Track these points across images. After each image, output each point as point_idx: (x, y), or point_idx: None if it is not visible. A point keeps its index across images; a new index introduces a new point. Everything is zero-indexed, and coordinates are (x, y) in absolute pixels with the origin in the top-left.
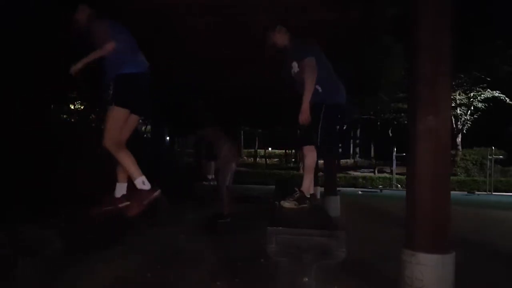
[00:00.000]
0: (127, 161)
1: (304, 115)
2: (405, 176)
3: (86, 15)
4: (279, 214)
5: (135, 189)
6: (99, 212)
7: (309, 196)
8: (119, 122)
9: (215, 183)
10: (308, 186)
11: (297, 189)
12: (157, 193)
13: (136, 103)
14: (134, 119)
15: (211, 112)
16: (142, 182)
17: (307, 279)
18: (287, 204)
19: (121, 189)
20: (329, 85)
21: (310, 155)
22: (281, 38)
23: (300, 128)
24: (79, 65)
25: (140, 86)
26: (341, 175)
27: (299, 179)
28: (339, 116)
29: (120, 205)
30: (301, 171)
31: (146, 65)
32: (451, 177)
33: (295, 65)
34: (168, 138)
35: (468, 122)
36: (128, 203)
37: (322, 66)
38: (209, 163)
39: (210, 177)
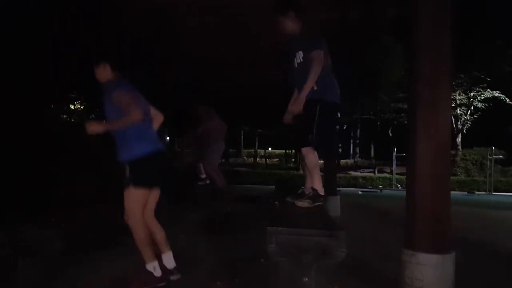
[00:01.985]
0: (143, 244)
1: (298, 105)
2: (405, 176)
3: (108, 72)
4: (279, 214)
5: (144, 270)
6: None
7: (322, 193)
8: (139, 201)
9: (208, 182)
10: (319, 183)
11: (302, 188)
12: (163, 284)
13: (155, 180)
14: (156, 193)
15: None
16: (153, 268)
17: (307, 279)
18: (301, 203)
19: (168, 260)
20: (325, 83)
21: (310, 156)
22: (292, 24)
23: (296, 129)
24: (101, 127)
25: (157, 162)
26: (341, 175)
27: (299, 179)
28: (334, 115)
29: (172, 278)
30: (301, 171)
31: (159, 120)
32: (451, 177)
33: (300, 54)
34: (168, 138)
35: (468, 122)
36: (179, 276)
37: (325, 64)
38: (198, 165)
39: (203, 176)
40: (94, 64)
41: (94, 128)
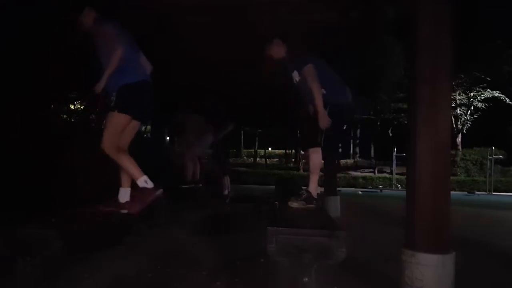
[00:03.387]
0: (127, 163)
1: (325, 119)
2: (405, 176)
3: (92, 18)
4: (279, 214)
5: (138, 188)
6: (100, 215)
7: (316, 196)
8: (119, 128)
9: (200, 185)
10: (315, 186)
11: (303, 189)
12: (159, 192)
13: (138, 110)
14: (135, 124)
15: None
16: (144, 181)
17: (307, 279)
18: (295, 204)
19: (124, 194)
20: (332, 86)
21: (316, 156)
22: (278, 50)
23: (304, 129)
24: (102, 82)
25: (143, 94)
26: (341, 175)
27: (299, 179)
28: (344, 116)
29: (122, 211)
30: (301, 171)
31: (148, 69)
32: (451, 177)
33: (296, 74)
34: (168, 138)
35: (468, 122)
36: (161, 190)
37: (322, 70)
38: (186, 165)
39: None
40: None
41: (99, 86)
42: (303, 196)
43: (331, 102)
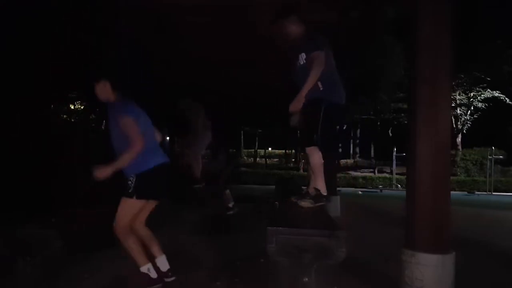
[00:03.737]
0: (134, 250)
1: (297, 104)
2: (405, 176)
3: (107, 94)
4: (279, 214)
5: (139, 273)
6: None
7: (325, 194)
8: (134, 212)
9: (204, 184)
10: (322, 183)
11: (305, 188)
12: (159, 285)
13: (157, 192)
14: (152, 203)
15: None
16: (147, 270)
17: (307, 279)
18: (303, 203)
19: (162, 263)
20: (330, 84)
21: (314, 155)
22: (294, 28)
23: (300, 129)
24: (108, 170)
25: (162, 176)
26: (341, 175)
27: (299, 179)
28: (338, 116)
29: (167, 280)
30: (302, 171)
31: (165, 155)
32: (451, 177)
33: (302, 56)
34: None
35: (468, 122)
36: (174, 278)
37: (328, 64)
38: (192, 165)
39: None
40: (95, 82)
41: (103, 172)
42: (312, 194)
43: (326, 100)
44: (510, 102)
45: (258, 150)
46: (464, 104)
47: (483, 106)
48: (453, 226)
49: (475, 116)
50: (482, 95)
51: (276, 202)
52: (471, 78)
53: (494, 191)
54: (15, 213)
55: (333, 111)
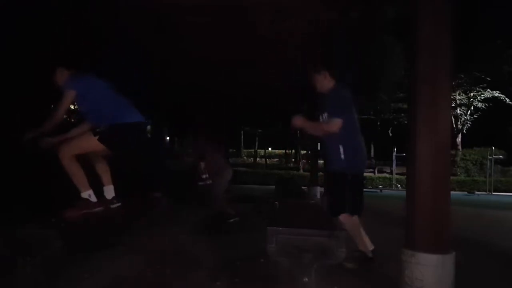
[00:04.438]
0: (77, 176)
1: (299, 123)
2: (405, 176)
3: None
4: (279, 214)
5: (81, 198)
6: (90, 213)
7: (371, 256)
8: (86, 150)
9: (210, 181)
10: (364, 244)
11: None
12: (100, 208)
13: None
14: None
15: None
16: (88, 195)
17: (307, 279)
18: (350, 265)
19: (109, 191)
20: (352, 151)
21: (348, 223)
22: (321, 82)
23: (328, 199)
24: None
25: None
26: None
27: (299, 179)
28: (361, 181)
29: (112, 206)
30: (301, 171)
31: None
32: (451, 177)
33: (325, 116)
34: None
35: (468, 122)
36: (119, 204)
37: (350, 124)
38: (200, 163)
39: (204, 176)
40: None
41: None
42: (356, 255)
43: (350, 171)
44: (510, 102)
45: (258, 150)
46: (464, 104)
47: (483, 106)
48: (453, 226)
49: (475, 116)
50: (482, 95)
51: (276, 202)
52: (471, 78)
53: (494, 191)
54: (15, 213)
55: (356, 180)
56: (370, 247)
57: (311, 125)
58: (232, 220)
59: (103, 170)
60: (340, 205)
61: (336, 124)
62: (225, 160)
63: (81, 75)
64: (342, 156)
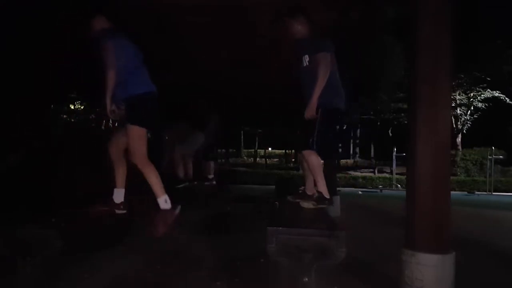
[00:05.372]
0: (153, 178)
1: (311, 111)
2: (405, 176)
3: (100, 26)
4: (279, 214)
5: (159, 209)
6: (95, 214)
7: (328, 196)
8: (142, 139)
9: (214, 182)
10: (324, 186)
11: (303, 187)
12: (177, 210)
13: (148, 121)
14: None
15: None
16: (164, 201)
17: (307, 279)
18: (306, 204)
19: (119, 195)
20: (330, 88)
21: (311, 158)
22: (300, 27)
23: (298, 132)
24: (108, 104)
25: (150, 105)
26: (341, 175)
27: (299, 179)
28: (337, 120)
29: (118, 211)
30: (301, 171)
31: (153, 85)
32: (451, 177)
33: (306, 58)
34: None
35: (468, 122)
36: (125, 211)
37: (330, 65)
38: (207, 163)
39: (210, 176)
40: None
41: (109, 109)
42: (314, 196)
43: (324, 106)
44: (510, 102)
45: (258, 150)
46: (464, 104)
47: (483, 106)
48: (453, 226)
49: (475, 116)
50: (482, 95)
51: (276, 202)
52: (471, 78)
53: (494, 191)
54: (15, 213)
55: (331, 114)
56: (327, 195)
57: (316, 92)
58: (181, 186)
59: (123, 173)
60: (308, 139)
61: (325, 56)
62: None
63: (118, 32)
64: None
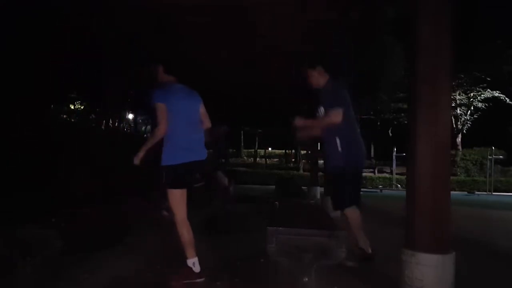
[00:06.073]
0: (187, 239)
1: (302, 124)
2: (405, 176)
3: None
4: (279, 214)
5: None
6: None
7: (370, 252)
8: (181, 200)
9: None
10: (365, 242)
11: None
12: (200, 280)
13: (189, 181)
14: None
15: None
16: (193, 264)
17: (307, 279)
18: (350, 263)
19: (197, 264)
20: (350, 143)
21: (352, 216)
22: (316, 78)
23: (331, 194)
24: (141, 154)
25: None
26: None
27: (299, 179)
28: (360, 174)
29: (199, 280)
30: (301, 171)
31: (206, 124)
32: (451, 177)
33: (321, 110)
34: None
35: (468, 122)
36: (203, 279)
37: (347, 117)
38: (218, 175)
39: (227, 184)
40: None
41: (137, 157)
42: (357, 254)
43: (349, 167)
44: (510, 102)
45: (258, 150)
46: (464, 104)
47: (483, 106)
48: (453, 226)
49: (475, 116)
50: (482, 95)
51: (276, 202)
52: (471, 78)
53: (494, 191)
54: (15, 213)
55: (355, 174)
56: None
57: (313, 121)
58: (198, 185)
59: (190, 240)
60: (342, 200)
61: (336, 114)
62: None
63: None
64: (339, 149)
